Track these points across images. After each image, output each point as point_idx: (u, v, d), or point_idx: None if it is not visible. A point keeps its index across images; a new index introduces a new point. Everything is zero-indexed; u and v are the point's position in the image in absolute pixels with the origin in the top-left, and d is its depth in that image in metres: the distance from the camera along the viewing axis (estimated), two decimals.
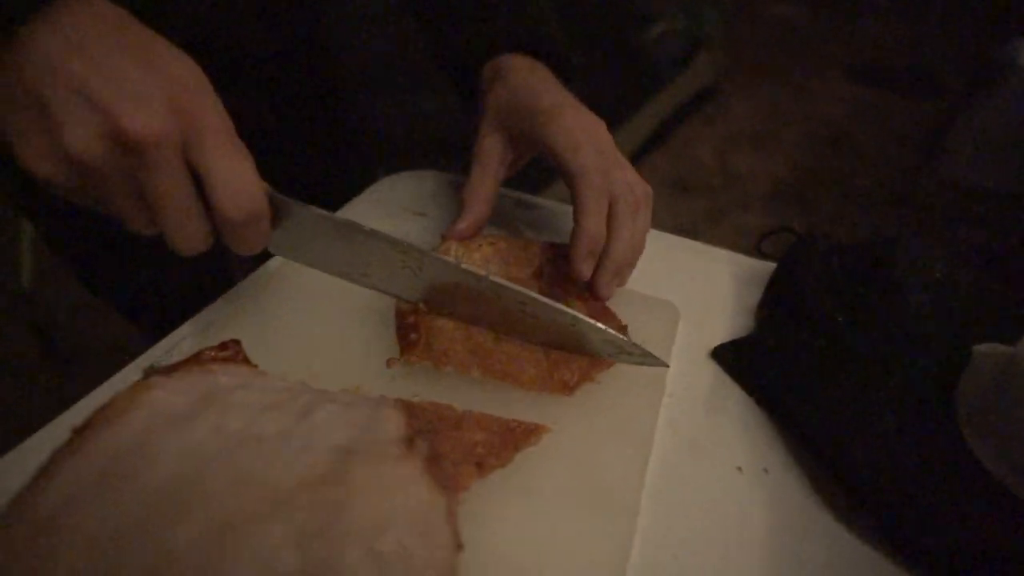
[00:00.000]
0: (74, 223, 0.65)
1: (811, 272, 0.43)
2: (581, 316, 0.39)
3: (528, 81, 0.49)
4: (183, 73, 0.33)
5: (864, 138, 2.32)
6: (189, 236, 0.34)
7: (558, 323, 0.39)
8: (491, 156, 0.49)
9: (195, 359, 0.33)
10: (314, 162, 0.70)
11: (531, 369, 0.40)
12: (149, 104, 0.30)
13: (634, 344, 0.40)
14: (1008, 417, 0.33)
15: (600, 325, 0.39)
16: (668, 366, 0.41)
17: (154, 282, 0.70)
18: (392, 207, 0.58)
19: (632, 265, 0.46)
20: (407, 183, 0.62)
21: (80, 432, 0.26)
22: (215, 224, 0.35)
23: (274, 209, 0.37)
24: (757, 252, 0.54)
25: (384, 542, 0.21)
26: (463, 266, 0.39)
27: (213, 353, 0.34)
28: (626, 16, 2.25)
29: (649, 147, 2.28)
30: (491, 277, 0.39)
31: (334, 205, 0.58)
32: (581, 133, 0.44)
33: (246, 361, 0.35)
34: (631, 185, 0.44)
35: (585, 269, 0.44)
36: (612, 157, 0.45)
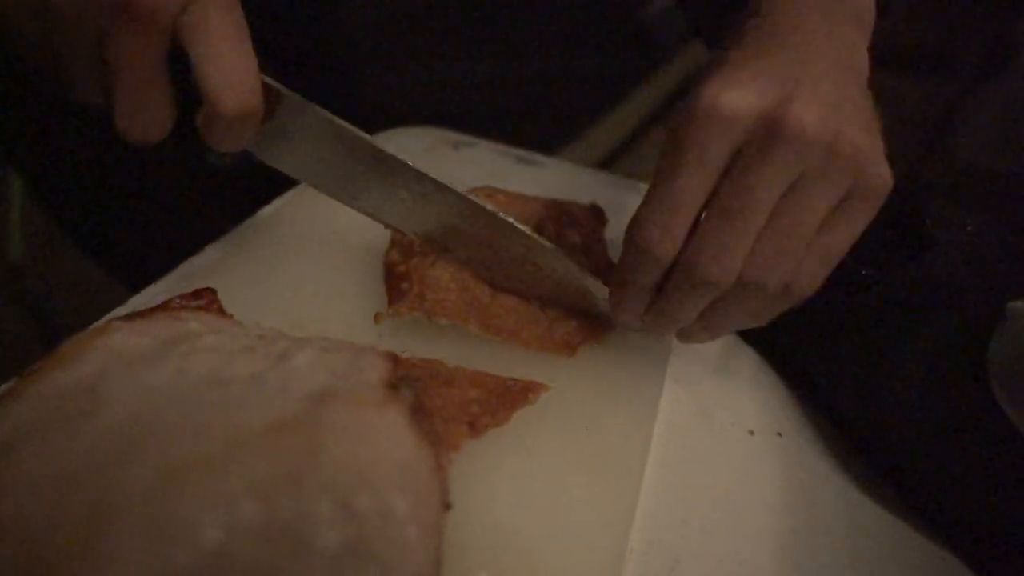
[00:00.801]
0: (63, 169, 0.62)
1: None
2: (585, 272, 0.36)
3: (772, 30, 0.30)
4: None
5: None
6: (146, 118, 0.29)
7: (560, 274, 0.37)
8: None
9: (163, 307, 0.31)
10: None
11: (530, 325, 0.38)
12: None
13: None
14: None
15: (601, 283, 0.36)
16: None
17: (142, 235, 0.68)
18: None
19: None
20: (403, 139, 0.59)
21: (27, 376, 0.24)
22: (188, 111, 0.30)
23: (266, 100, 0.31)
24: None
25: (360, 494, 0.18)
26: (469, 196, 0.35)
27: (183, 301, 0.32)
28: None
29: (651, 124, 2.24)
30: (500, 213, 0.35)
31: None
32: (697, 147, 0.27)
33: (221, 311, 0.33)
34: (712, 258, 0.28)
35: (617, 316, 0.34)
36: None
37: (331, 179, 0.36)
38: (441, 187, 0.35)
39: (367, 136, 0.34)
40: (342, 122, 0.34)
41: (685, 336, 0.34)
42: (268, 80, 0.32)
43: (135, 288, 0.72)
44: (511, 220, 0.35)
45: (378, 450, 0.20)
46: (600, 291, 0.37)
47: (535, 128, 0.78)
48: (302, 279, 0.41)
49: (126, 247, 0.73)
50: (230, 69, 0.28)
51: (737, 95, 0.27)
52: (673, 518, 0.32)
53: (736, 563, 0.30)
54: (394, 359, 0.25)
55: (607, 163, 1.26)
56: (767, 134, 0.26)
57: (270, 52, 0.61)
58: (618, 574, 0.28)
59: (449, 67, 0.68)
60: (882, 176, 0.28)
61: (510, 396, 0.33)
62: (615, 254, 0.43)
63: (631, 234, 0.30)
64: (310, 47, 0.64)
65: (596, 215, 0.46)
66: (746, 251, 0.28)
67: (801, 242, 0.28)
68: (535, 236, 0.36)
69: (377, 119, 0.63)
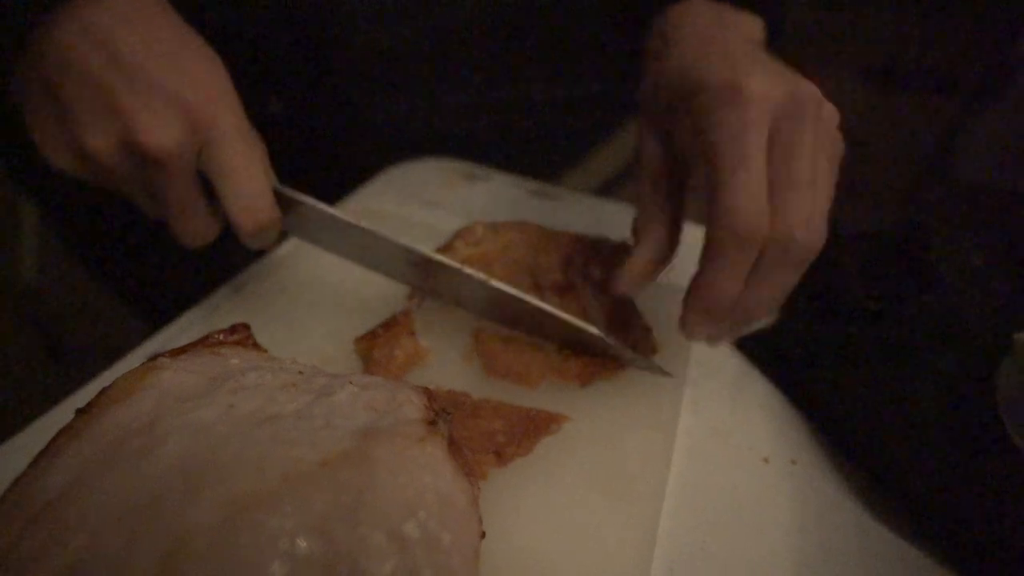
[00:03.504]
0: (78, 205, 0.64)
1: (838, 260, 0.42)
2: (589, 328, 0.38)
3: (702, 44, 0.35)
4: (206, 75, 0.33)
5: (876, 137, 2.29)
6: (193, 232, 0.35)
7: (566, 329, 0.38)
8: (654, 168, 0.36)
9: (203, 342, 0.32)
10: (325, 151, 0.69)
11: (540, 365, 0.39)
12: (167, 116, 0.30)
13: (643, 358, 0.39)
14: None
15: (600, 334, 0.38)
16: (672, 375, 0.39)
17: (158, 266, 0.69)
18: (403, 196, 0.57)
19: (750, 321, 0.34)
20: (419, 171, 0.61)
21: (84, 413, 0.25)
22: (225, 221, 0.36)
23: (284, 205, 0.37)
24: None
25: (410, 525, 0.19)
26: (467, 270, 0.38)
27: (222, 336, 0.33)
28: (634, 14, 2.24)
29: None
30: (493, 282, 0.38)
31: (345, 192, 0.57)
32: (753, 132, 0.30)
33: (256, 346, 0.34)
34: (804, 226, 0.30)
35: (694, 330, 0.34)
36: (805, 150, 0.31)
37: (345, 253, 0.40)
38: (439, 265, 0.38)
39: (370, 229, 0.37)
40: (345, 216, 0.37)
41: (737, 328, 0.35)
42: (283, 190, 0.36)
43: (147, 314, 0.73)
44: (506, 288, 0.38)
45: (423, 483, 0.21)
46: (600, 344, 0.38)
47: (539, 153, 0.80)
48: (326, 313, 0.42)
49: (139, 275, 0.75)
50: (245, 195, 0.33)
51: (760, 80, 0.31)
52: (692, 543, 0.32)
53: None
54: (428, 394, 0.26)
55: (611, 187, 1.28)
56: (796, 110, 0.31)
57: (278, 85, 0.63)
58: None
59: (453, 94, 0.70)
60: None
61: (534, 426, 0.34)
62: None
63: (728, 224, 0.30)
64: (317, 78, 0.66)
65: (625, 251, 0.48)
66: (824, 212, 0.31)
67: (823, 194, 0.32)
68: (532, 301, 0.38)
69: (383, 146, 0.65)
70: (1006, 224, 0.42)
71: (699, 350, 0.43)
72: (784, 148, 0.30)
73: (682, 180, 0.37)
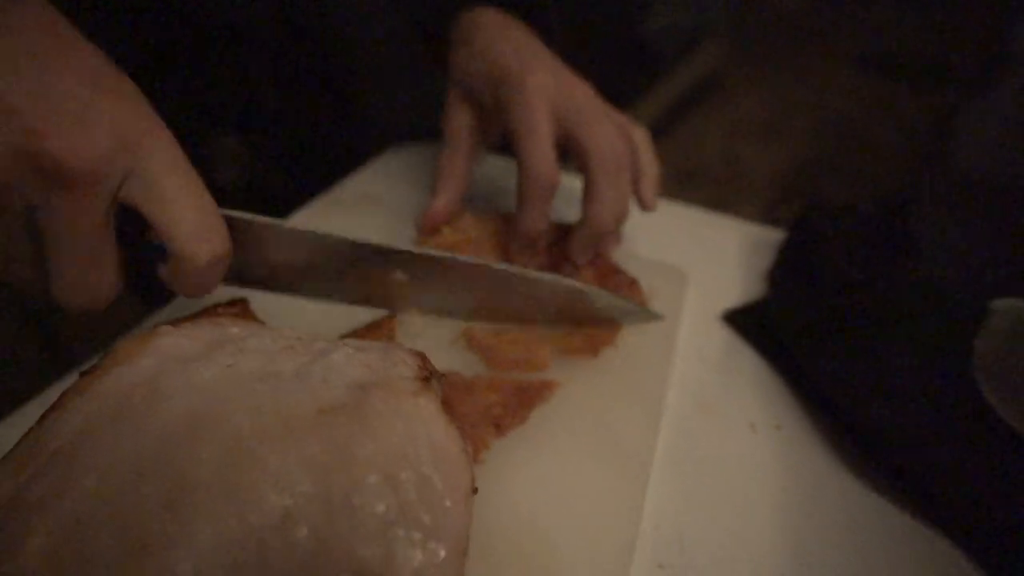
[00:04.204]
0: None
1: (825, 234, 0.43)
2: (584, 285, 0.39)
3: (495, 41, 0.45)
4: (133, 95, 0.28)
5: (872, 129, 2.31)
6: (93, 284, 0.28)
7: (562, 296, 0.39)
8: (460, 132, 0.46)
9: (203, 313, 0.33)
10: (322, 140, 0.70)
11: (540, 348, 0.39)
12: (93, 130, 0.25)
13: (635, 304, 0.40)
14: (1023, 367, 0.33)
15: (598, 289, 0.39)
16: (663, 317, 0.41)
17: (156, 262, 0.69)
18: (398, 179, 0.58)
19: (613, 231, 0.43)
20: (414, 155, 0.62)
21: (88, 374, 0.26)
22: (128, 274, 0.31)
23: (232, 232, 0.31)
24: (769, 221, 0.54)
25: (403, 469, 0.20)
26: (458, 257, 0.37)
27: (221, 308, 0.34)
28: (628, 5, 2.25)
29: (653, 137, 2.27)
30: (488, 262, 0.37)
31: (341, 177, 0.58)
32: (539, 111, 0.40)
33: (255, 319, 0.35)
34: (610, 145, 0.40)
35: (517, 258, 0.43)
36: (585, 116, 0.41)
37: (319, 284, 0.37)
38: (437, 258, 0.36)
39: (336, 234, 0.35)
40: (307, 229, 0.34)
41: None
42: (230, 213, 0.32)
43: (147, 313, 0.73)
44: (501, 264, 0.37)
45: (416, 432, 0.22)
46: (599, 299, 0.39)
47: None
48: (311, 306, 0.42)
49: (139, 273, 0.75)
50: (194, 220, 0.28)
51: (540, 72, 0.41)
52: (680, 505, 0.34)
53: (737, 541, 0.32)
54: (422, 356, 0.27)
55: None
56: (565, 87, 0.42)
57: (275, 74, 0.63)
58: (630, 554, 0.30)
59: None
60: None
61: (527, 395, 0.35)
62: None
63: (529, 176, 0.40)
64: (314, 67, 0.66)
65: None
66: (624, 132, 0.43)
67: None
68: (538, 274, 0.38)
69: (380, 134, 0.65)
70: (986, 204, 0.43)
71: (688, 322, 0.44)
72: (567, 108, 0.41)
73: (476, 143, 0.47)
